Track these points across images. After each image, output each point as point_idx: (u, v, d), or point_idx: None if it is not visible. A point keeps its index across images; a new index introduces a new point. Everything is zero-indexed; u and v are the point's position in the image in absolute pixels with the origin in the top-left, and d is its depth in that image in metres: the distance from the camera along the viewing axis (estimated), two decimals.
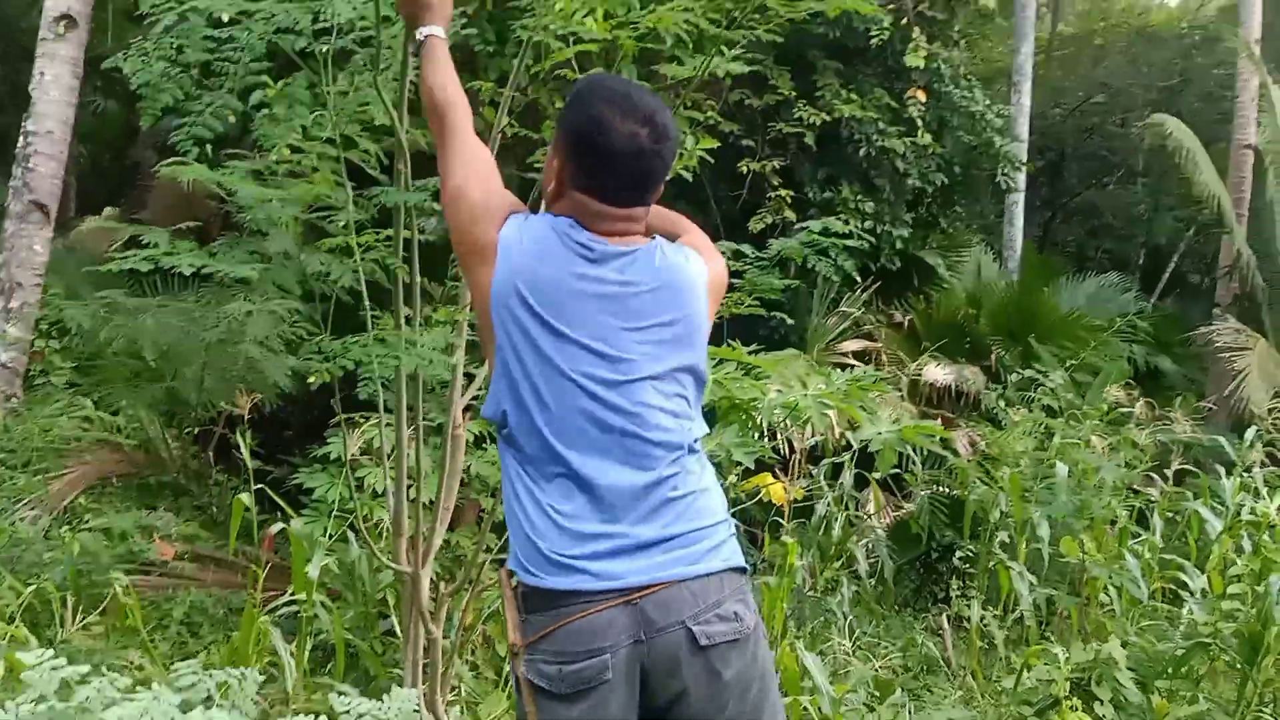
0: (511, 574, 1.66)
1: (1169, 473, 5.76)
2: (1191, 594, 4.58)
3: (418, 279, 2.57)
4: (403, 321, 2.61)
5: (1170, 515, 5.57)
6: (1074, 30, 17.41)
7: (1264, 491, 5.02)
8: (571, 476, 1.61)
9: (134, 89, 2.81)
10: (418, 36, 1.98)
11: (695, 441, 1.71)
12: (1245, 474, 5.34)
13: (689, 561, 1.60)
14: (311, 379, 2.26)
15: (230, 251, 2.81)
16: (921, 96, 7.90)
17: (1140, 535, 5.12)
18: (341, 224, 2.85)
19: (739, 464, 4.06)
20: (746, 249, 3.32)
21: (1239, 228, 9.89)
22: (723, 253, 3.20)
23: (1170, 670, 4.04)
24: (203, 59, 2.84)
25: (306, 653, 3.33)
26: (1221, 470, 5.53)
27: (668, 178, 1.77)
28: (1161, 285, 13.03)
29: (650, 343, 1.67)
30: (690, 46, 6.04)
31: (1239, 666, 4.00)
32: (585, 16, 2.90)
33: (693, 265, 1.76)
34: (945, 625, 4.97)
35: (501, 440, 1.69)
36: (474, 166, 1.80)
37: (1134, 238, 14.68)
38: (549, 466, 1.62)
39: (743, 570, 1.68)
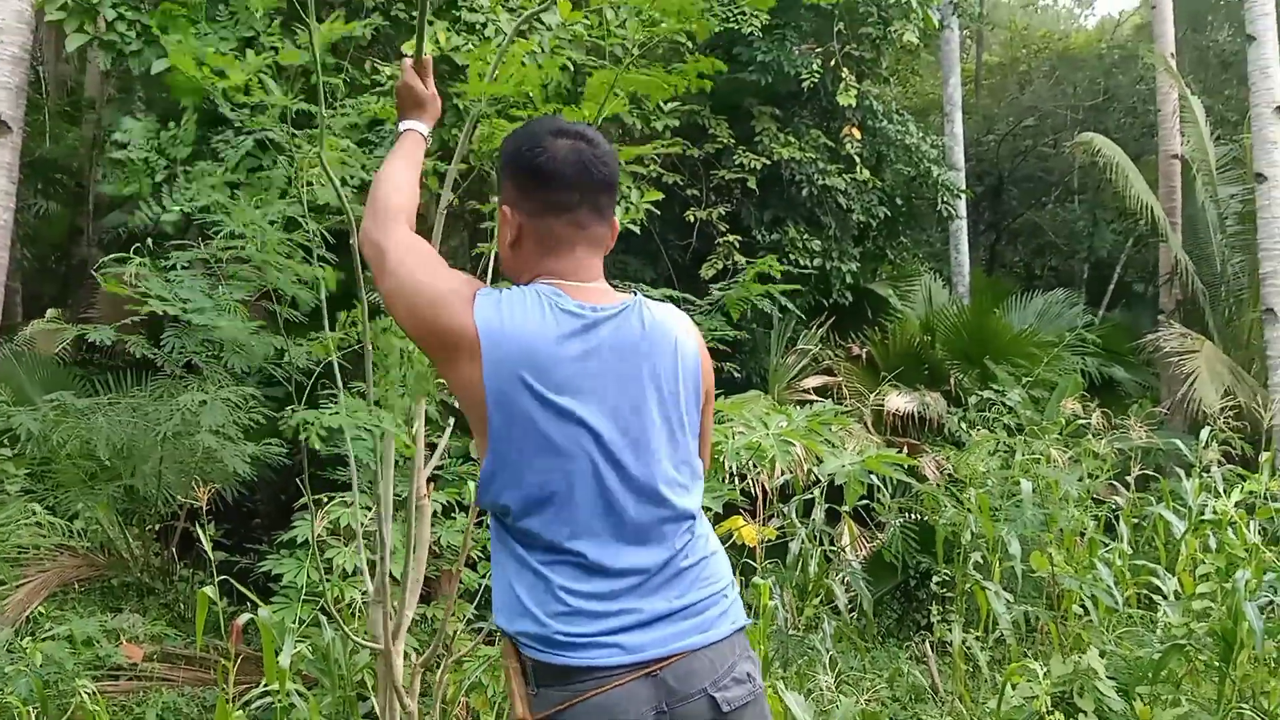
0: (516, 646, 1.59)
1: (1131, 479, 5.84)
2: (1164, 597, 4.63)
3: (370, 352, 2.57)
4: (371, 393, 2.61)
5: (1136, 521, 5.65)
6: (999, 59, 17.95)
7: (1222, 489, 5.11)
8: (583, 562, 1.54)
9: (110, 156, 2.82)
10: (399, 127, 1.95)
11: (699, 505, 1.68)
12: (1204, 474, 5.43)
13: (704, 629, 1.58)
14: (305, 436, 2.25)
15: (180, 341, 2.80)
16: (857, 134, 8.10)
17: (1109, 544, 5.18)
18: (290, 303, 2.86)
19: (708, 509, 4.08)
20: (690, 297, 3.37)
21: (1174, 235, 10.17)
22: (669, 298, 3.26)
23: (1150, 675, 4.07)
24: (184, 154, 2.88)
25: None
26: (1181, 472, 5.63)
27: (616, 203, 1.74)
28: (1108, 297, 13.32)
29: (657, 413, 1.62)
30: (628, 105, 6.15)
31: (1215, 665, 4.05)
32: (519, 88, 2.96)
33: (681, 321, 1.73)
34: (929, 652, 4.97)
35: (499, 524, 1.61)
36: (417, 252, 1.68)
37: (1077, 253, 15.02)
38: (559, 554, 1.55)
39: (743, 627, 1.67)
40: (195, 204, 2.96)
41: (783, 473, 5.70)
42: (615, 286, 1.75)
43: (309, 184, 3.00)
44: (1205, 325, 9.72)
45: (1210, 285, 10.03)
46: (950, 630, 4.78)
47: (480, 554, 4.11)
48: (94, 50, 5.57)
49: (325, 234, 3.10)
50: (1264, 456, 5.41)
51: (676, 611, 1.57)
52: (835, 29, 7.90)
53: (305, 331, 2.92)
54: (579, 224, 1.65)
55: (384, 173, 1.81)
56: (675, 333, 1.69)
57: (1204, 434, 5.72)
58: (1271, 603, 4.24)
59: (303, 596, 3.62)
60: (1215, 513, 4.79)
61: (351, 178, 3.03)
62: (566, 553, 1.54)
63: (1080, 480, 5.40)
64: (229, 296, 3.34)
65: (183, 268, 3.05)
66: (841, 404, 7.69)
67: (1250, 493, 5.03)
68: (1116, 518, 5.51)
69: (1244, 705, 3.95)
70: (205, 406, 3.62)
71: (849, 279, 8.30)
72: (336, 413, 2.18)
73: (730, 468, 4.56)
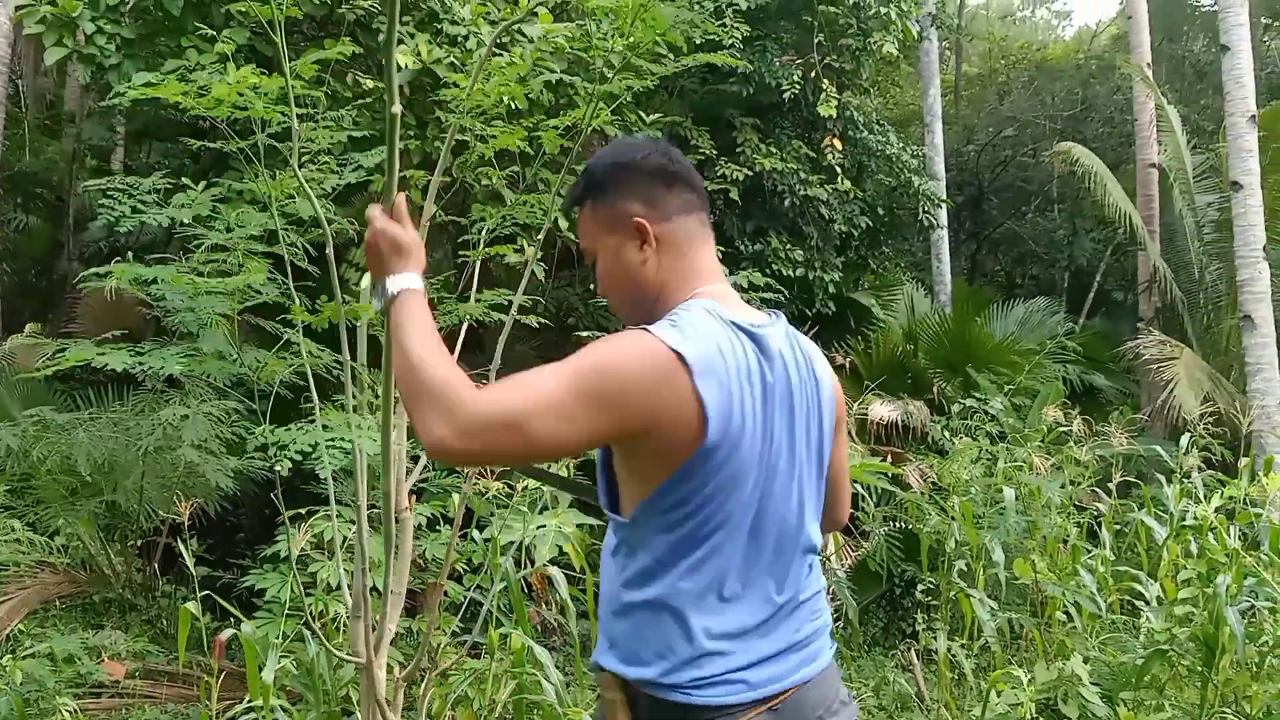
0: (623, 681, 1.52)
1: (1112, 486, 5.88)
2: (1147, 602, 4.66)
3: (349, 365, 2.57)
4: (351, 407, 2.61)
5: (1118, 527, 5.68)
6: (978, 70, 18.12)
7: (1202, 495, 5.15)
8: (734, 603, 1.49)
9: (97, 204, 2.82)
10: (389, 289, 1.55)
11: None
12: (1185, 480, 5.47)
13: (815, 658, 1.58)
14: (279, 468, 2.23)
15: (160, 350, 2.78)
16: (838, 145, 8.15)
17: (1092, 550, 5.21)
18: (277, 316, 2.86)
19: None
20: None
21: (1152, 243, 10.27)
22: None
23: (1133, 681, 4.09)
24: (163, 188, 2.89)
25: None
26: (1162, 479, 5.67)
27: None
28: (1088, 305, 13.43)
29: (810, 446, 1.59)
30: (610, 116, 6.16)
31: (1198, 670, 4.07)
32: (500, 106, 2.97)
33: (811, 345, 1.66)
34: (915, 660, 4.98)
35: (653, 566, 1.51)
36: (520, 377, 1.40)
37: (1057, 262, 15.15)
38: (712, 598, 1.48)
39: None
40: (178, 218, 2.94)
41: None
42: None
43: (290, 197, 3.01)
44: (1184, 332, 9.81)
45: (1189, 292, 10.13)
46: (935, 638, 4.79)
47: (465, 566, 4.10)
48: (73, 64, 5.56)
49: (307, 247, 3.10)
50: (1243, 462, 5.46)
51: (800, 644, 1.56)
52: (815, 40, 7.96)
53: (290, 345, 2.92)
54: (704, 222, 1.64)
55: (413, 357, 1.41)
56: (814, 357, 1.63)
57: (1184, 440, 5.77)
58: (1252, 607, 4.27)
59: (286, 611, 3.60)
60: (1196, 518, 4.82)
61: (331, 190, 3.04)
62: (723, 596, 1.50)
63: (1062, 487, 5.44)
64: (210, 310, 3.33)
65: (164, 281, 3.04)
66: None
67: (1230, 498, 5.07)
68: (1099, 524, 5.54)
69: (1226, 709, 3.98)
70: (187, 421, 3.60)
71: (832, 289, 8.34)
72: (308, 431, 2.17)
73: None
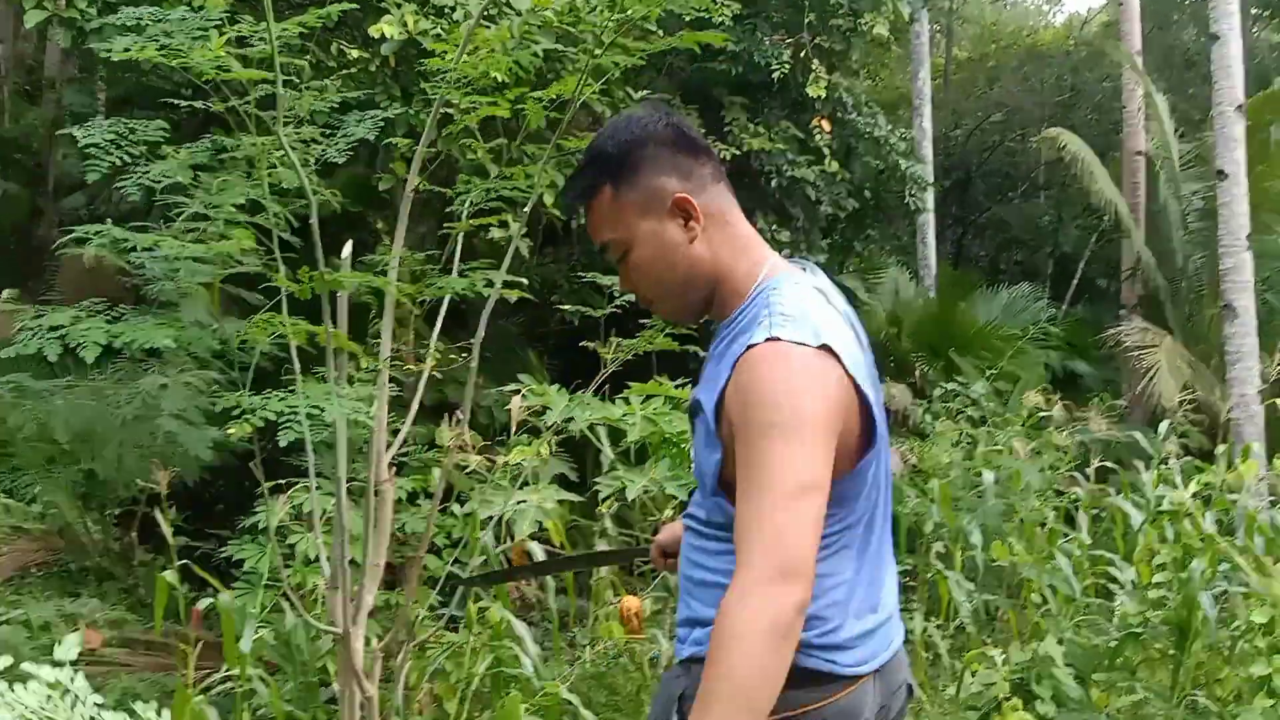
0: None
1: (1091, 471, 5.93)
2: (1121, 586, 4.71)
3: (330, 335, 2.55)
4: (331, 377, 2.59)
5: (1095, 512, 5.73)
6: (968, 54, 18.09)
7: (1179, 481, 5.20)
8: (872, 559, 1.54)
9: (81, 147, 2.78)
10: None
11: None
12: (1163, 466, 5.53)
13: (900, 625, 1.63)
14: (232, 431, 2.21)
15: (139, 321, 2.75)
16: (826, 126, 8.13)
17: (1069, 534, 5.26)
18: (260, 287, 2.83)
19: (673, 498, 4.10)
20: None
21: (1137, 232, 10.31)
22: None
23: (1106, 662, 4.14)
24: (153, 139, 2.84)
25: None
26: (1140, 465, 5.73)
27: None
28: (1071, 292, 13.49)
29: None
30: (598, 93, 6.13)
31: (1170, 653, 4.13)
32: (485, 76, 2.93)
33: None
34: None
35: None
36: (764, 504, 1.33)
37: (1042, 248, 15.21)
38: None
39: None
40: (159, 183, 2.91)
41: None
42: None
43: (273, 166, 2.97)
44: (1166, 320, 9.88)
45: (1171, 281, 10.19)
46: (912, 619, 4.83)
47: (445, 540, 4.10)
48: (54, 28, 5.47)
49: (290, 218, 3.07)
50: (1220, 449, 5.51)
51: (895, 612, 1.61)
52: (805, 20, 7.91)
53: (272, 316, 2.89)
54: (730, 186, 1.55)
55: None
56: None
57: (1163, 427, 5.82)
58: (1225, 592, 4.32)
59: (265, 582, 3.59)
60: (1172, 504, 4.87)
61: (318, 158, 3.00)
62: (864, 553, 1.57)
63: (1041, 472, 5.49)
64: (191, 280, 3.30)
65: (144, 250, 3.00)
66: None
67: (1207, 484, 5.12)
68: (1076, 508, 5.59)
69: (1197, 692, 4.03)
70: (166, 390, 3.57)
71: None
72: (283, 398, 2.15)
73: None
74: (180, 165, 3.03)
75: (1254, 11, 14.48)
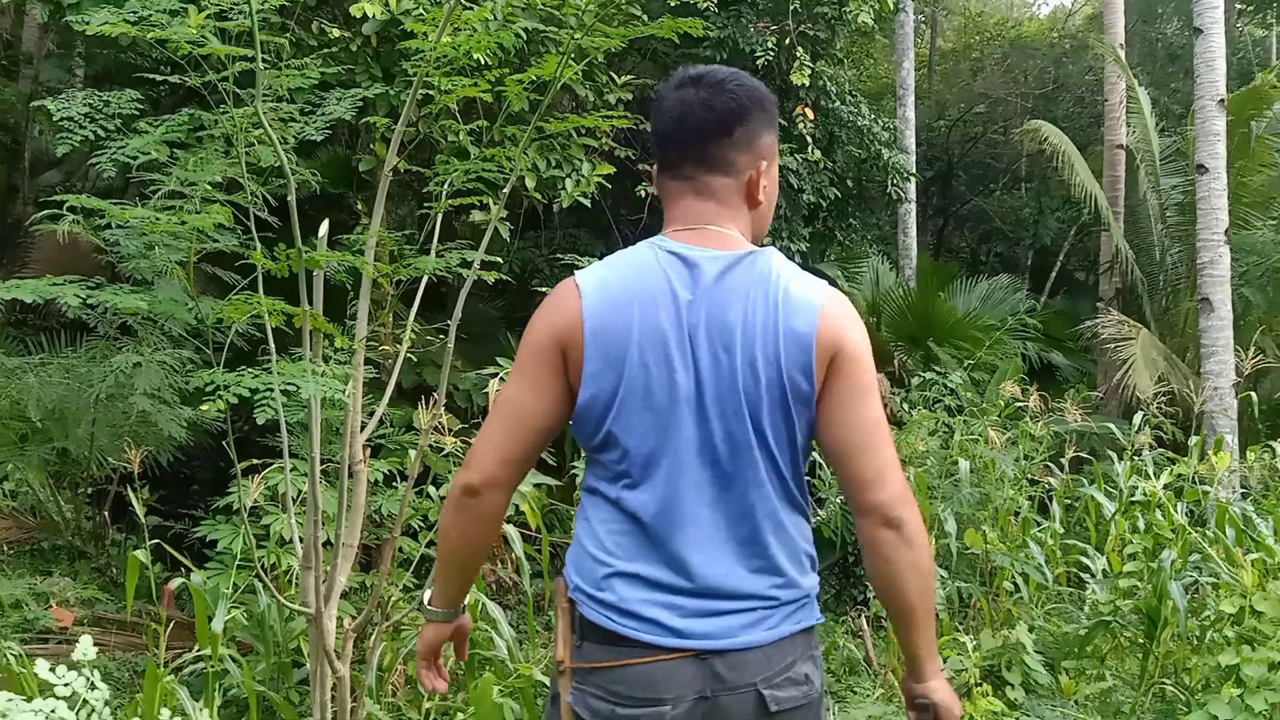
0: (568, 589, 1.56)
1: (1065, 461, 5.98)
2: (1093, 575, 4.76)
3: (307, 314, 2.53)
4: (307, 356, 2.57)
5: (1069, 502, 5.78)
6: (953, 45, 18.12)
7: (1152, 472, 5.25)
8: None
9: (55, 120, 2.74)
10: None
11: None
12: (1135, 457, 5.57)
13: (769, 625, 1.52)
14: (205, 408, 2.19)
15: (114, 288, 2.71)
16: (810, 114, 8.12)
17: (1042, 523, 5.31)
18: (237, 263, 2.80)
19: None
20: None
21: (1116, 225, 10.37)
22: None
23: (1076, 650, 4.18)
24: (128, 113, 2.81)
25: (216, 709, 3.23)
26: (1114, 455, 5.78)
27: (742, 134, 1.57)
28: (1050, 283, 13.57)
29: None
30: (581, 76, 6.08)
31: (1139, 641, 4.17)
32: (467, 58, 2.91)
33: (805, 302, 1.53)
34: (865, 626, 5.06)
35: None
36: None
37: (1022, 240, 15.27)
38: None
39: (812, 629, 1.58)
40: (135, 159, 2.87)
41: None
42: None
43: (251, 144, 2.94)
44: (1142, 313, 9.96)
45: (1149, 274, 10.27)
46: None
47: (421, 523, 4.10)
48: (31, 2, 5.39)
49: (268, 196, 3.05)
50: (1193, 441, 5.56)
51: (703, 602, 1.56)
52: (791, 7, 7.90)
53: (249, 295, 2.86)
54: (685, 176, 1.59)
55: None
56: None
57: (1137, 419, 5.87)
58: (1195, 582, 4.37)
59: (238, 563, 3.58)
60: (1145, 495, 4.92)
61: (296, 136, 2.98)
62: None
63: (1017, 461, 5.52)
64: (167, 258, 3.27)
65: (119, 227, 2.97)
66: None
67: (1179, 476, 5.17)
68: (1050, 498, 5.64)
69: (1165, 680, 4.08)
70: (140, 369, 3.54)
71: (798, 259, 8.34)
72: (257, 376, 2.13)
73: None
74: (156, 141, 3.00)
75: (1238, 6, 14.57)
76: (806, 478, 1.56)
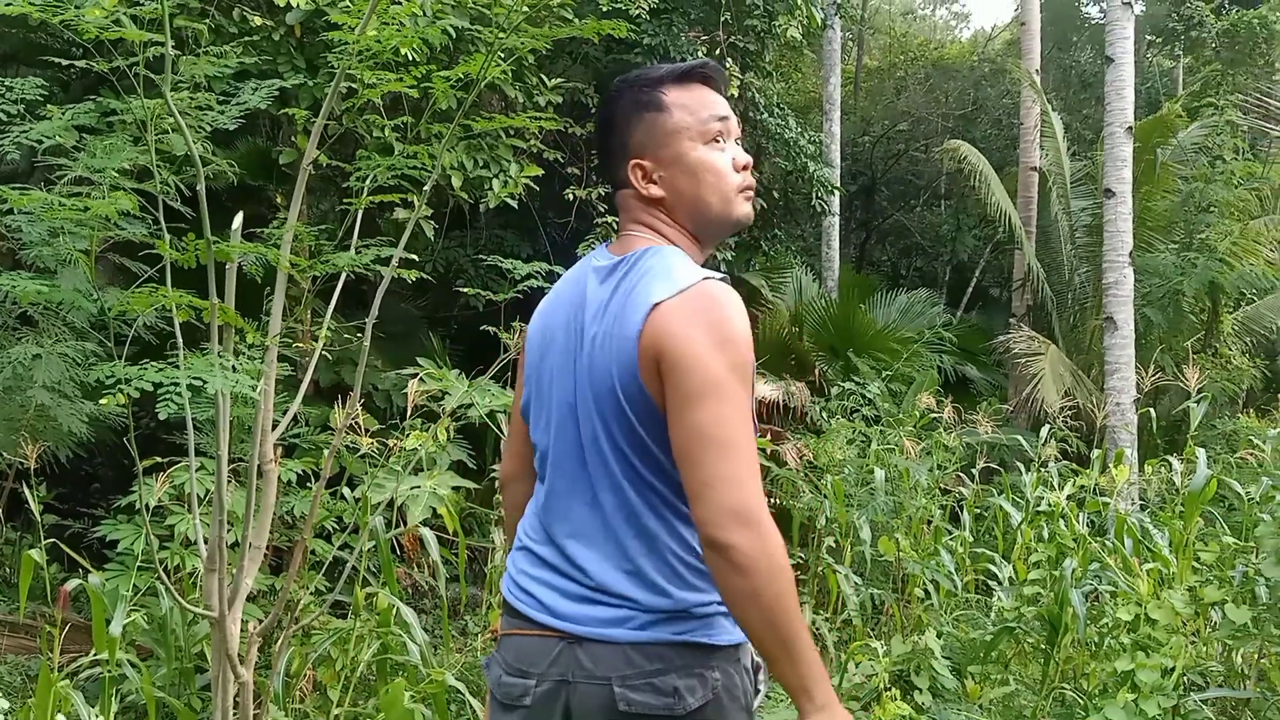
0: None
1: (976, 472, 6.14)
2: (999, 583, 4.89)
3: (215, 307, 2.46)
4: (216, 350, 2.50)
5: (979, 511, 5.94)
6: (878, 63, 18.50)
7: (1056, 484, 5.42)
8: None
9: None
10: None
11: None
12: (1042, 469, 5.75)
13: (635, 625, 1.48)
14: (104, 401, 2.11)
15: (11, 274, 2.60)
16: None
17: (953, 531, 5.44)
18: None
19: None
20: (561, 270, 3.34)
21: (1029, 244, 10.71)
22: (536, 274, 3.23)
23: (981, 655, 4.29)
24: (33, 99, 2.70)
25: (113, 715, 3.11)
26: (1022, 467, 5.95)
27: (616, 143, 1.58)
28: (966, 299, 13.93)
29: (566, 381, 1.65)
30: (510, 76, 6.03)
31: (1042, 647, 4.30)
32: (391, 54, 2.87)
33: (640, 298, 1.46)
34: None
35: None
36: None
37: (940, 255, 15.65)
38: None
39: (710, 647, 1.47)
40: (40, 143, 2.76)
41: None
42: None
43: (164, 132, 2.85)
44: (1052, 330, 10.29)
45: (1058, 292, 10.62)
46: (802, 611, 4.92)
47: (335, 525, 4.01)
48: None
49: (179, 186, 2.95)
50: (1095, 454, 5.76)
51: (546, 580, 1.63)
52: (721, 19, 7.97)
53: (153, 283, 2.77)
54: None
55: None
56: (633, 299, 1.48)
57: (1044, 432, 6.05)
58: (1095, 590, 4.52)
59: (140, 564, 3.46)
60: (1049, 505, 5.07)
61: (211, 125, 2.89)
62: None
63: (930, 471, 5.65)
64: (71, 246, 3.15)
65: (21, 212, 2.85)
66: None
67: (1081, 487, 5.35)
68: (961, 507, 5.79)
69: (1065, 685, 4.21)
70: (39, 361, 3.40)
71: (723, 267, 8.42)
72: (161, 370, 2.06)
73: None
74: (63, 126, 2.89)
75: (1149, 38, 15.17)
76: None
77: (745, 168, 1.59)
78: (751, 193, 1.61)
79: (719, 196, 1.55)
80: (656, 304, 1.41)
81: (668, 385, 1.39)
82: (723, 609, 1.44)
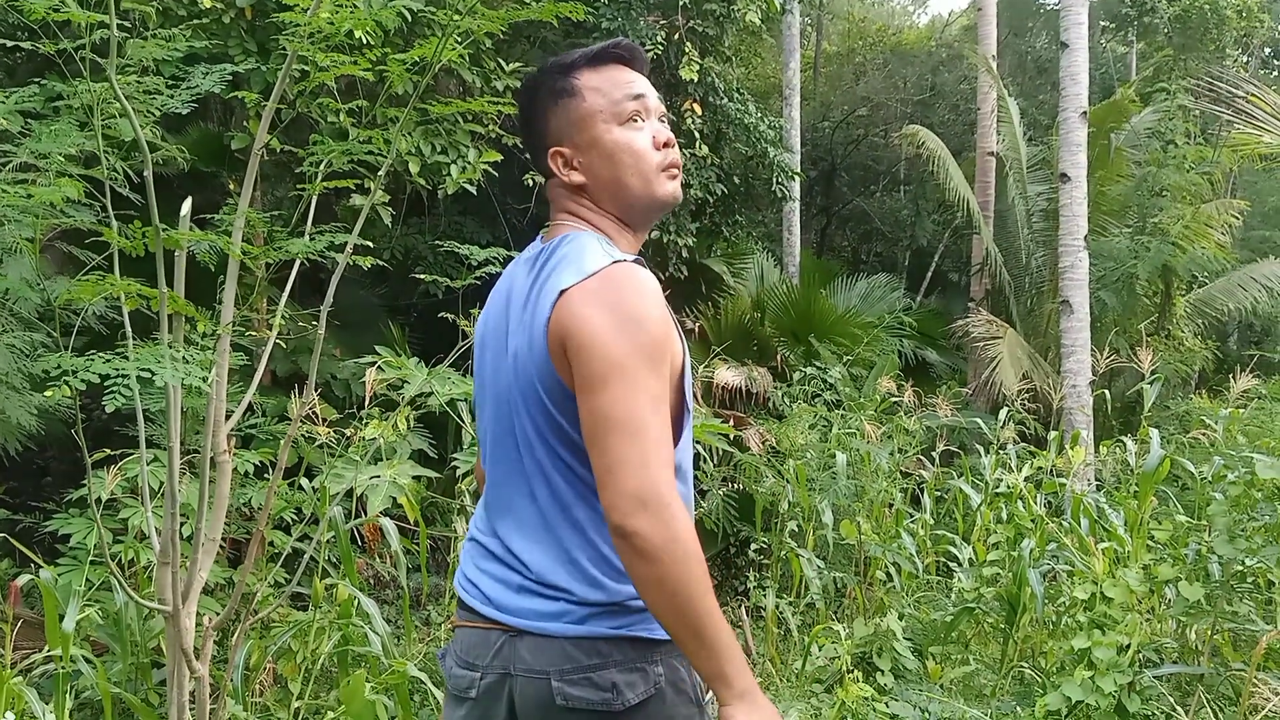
0: None
1: (937, 455, 6.20)
2: (960, 564, 4.95)
3: (164, 296, 2.40)
4: (166, 340, 2.44)
5: (939, 494, 6.01)
6: (836, 49, 18.55)
7: (1015, 465, 5.49)
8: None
9: None
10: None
11: None
12: (1001, 451, 5.82)
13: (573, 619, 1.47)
14: (50, 394, 2.05)
15: None
16: (698, 110, 8.19)
17: (914, 514, 5.50)
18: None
19: None
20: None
21: (986, 228, 10.81)
22: (495, 260, 3.20)
23: (942, 636, 4.34)
24: None
25: (67, 712, 3.05)
26: (981, 449, 6.03)
27: (534, 136, 1.56)
28: (925, 283, 14.05)
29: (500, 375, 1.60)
30: (467, 61, 5.95)
31: (1001, 627, 4.36)
32: (345, 36, 2.81)
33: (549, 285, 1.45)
34: (745, 616, 5.14)
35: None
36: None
37: (900, 241, 15.77)
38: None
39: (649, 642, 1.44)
40: None
41: None
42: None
43: (111, 116, 2.78)
44: (1010, 314, 10.42)
45: (1015, 276, 10.74)
46: (765, 595, 4.96)
47: (294, 516, 3.96)
48: None
49: (128, 172, 2.88)
50: (1052, 435, 5.84)
51: (489, 571, 1.62)
52: (680, 3, 7.94)
53: (100, 271, 2.71)
54: None
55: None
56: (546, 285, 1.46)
57: (1002, 414, 6.13)
58: (1052, 570, 4.60)
59: (93, 558, 3.39)
60: (1008, 487, 5.14)
61: (160, 110, 2.82)
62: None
63: (891, 454, 5.70)
64: (16, 234, 3.07)
65: None
66: None
67: (1039, 468, 5.43)
68: (922, 490, 5.85)
69: (1024, 664, 4.27)
70: None
71: (685, 254, 8.42)
72: (109, 361, 2.01)
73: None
74: (7, 110, 2.81)
75: (1102, 24, 15.36)
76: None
77: (666, 144, 1.54)
78: (677, 171, 1.56)
79: (639, 177, 1.52)
80: (564, 291, 1.39)
81: (574, 370, 1.37)
82: None
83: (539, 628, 1.43)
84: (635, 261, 1.43)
